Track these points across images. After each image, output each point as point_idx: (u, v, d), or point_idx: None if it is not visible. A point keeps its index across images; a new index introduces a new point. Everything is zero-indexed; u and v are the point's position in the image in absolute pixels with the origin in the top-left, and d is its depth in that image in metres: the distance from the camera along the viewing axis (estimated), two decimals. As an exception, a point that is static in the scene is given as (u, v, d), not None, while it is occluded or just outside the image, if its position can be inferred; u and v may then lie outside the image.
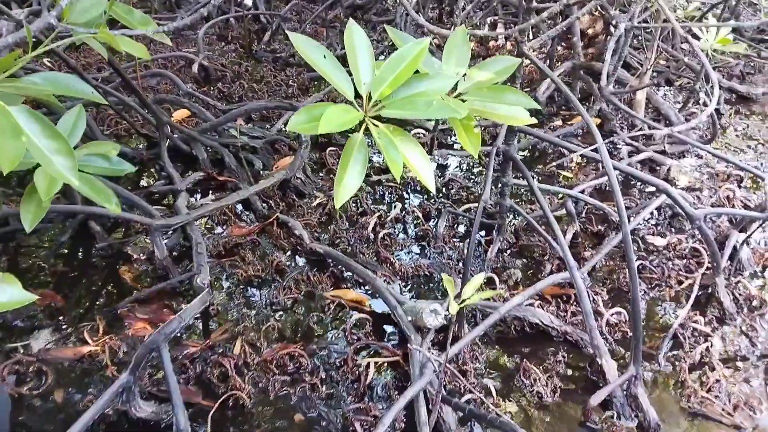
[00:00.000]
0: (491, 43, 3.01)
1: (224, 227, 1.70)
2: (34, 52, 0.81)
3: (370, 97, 0.93)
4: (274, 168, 1.96)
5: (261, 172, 1.93)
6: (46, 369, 1.23)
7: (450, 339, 1.09)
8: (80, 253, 1.57)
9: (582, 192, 1.70)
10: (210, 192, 1.85)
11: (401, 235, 1.67)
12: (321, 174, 1.96)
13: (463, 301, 0.85)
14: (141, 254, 1.55)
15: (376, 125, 0.92)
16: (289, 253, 1.60)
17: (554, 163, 2.00)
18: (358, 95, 0.93)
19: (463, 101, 1.05)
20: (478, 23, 3.10)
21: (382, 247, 1.60)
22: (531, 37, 2.90)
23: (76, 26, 0.86)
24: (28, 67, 1.72)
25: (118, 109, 1.94)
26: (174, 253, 1.55)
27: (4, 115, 0.76)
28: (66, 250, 1.57)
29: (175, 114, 2.18)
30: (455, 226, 1.72)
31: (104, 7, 0.99)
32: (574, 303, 1.41)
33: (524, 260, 1.60)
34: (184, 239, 1.60)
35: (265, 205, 1.78)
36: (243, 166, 1.91)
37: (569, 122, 2.33)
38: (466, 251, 1.55)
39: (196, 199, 1.78)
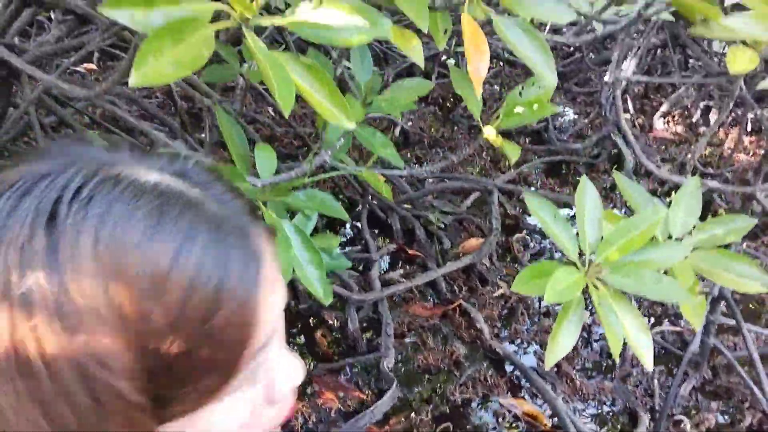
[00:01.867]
0: (701, 130, 2.82)
1: (408, 303, 1.79)
2: (308, 179, 0.95)
3: (591, 259, 0.94)
4: (461, 248, 2.02)
5: (448, 250, 2.00)
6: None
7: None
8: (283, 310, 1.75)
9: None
10: (399, 264, 1.96)
11: (586, 350, 1.63)
12: (506, 261, 1.98)
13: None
14: (336, 321, 1.69)
15: (597, 288, 0.92)
16: (468, 344, 1.64)
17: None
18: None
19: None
20: (689, 106, 2.92)
21: (564, 360, 1.57)
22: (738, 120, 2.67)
23: (343, 163, 0.99)
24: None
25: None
26: (363, 324, 1.67)
27: (280, 230, 0.90)
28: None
29: (375, 177, 2.34)
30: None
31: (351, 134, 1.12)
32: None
33: (721, 403, 1.48)
34: (373, 312, 1.71)
35: (448, 286, 1.84)
36: (433, 242, 2.00)
37: (788, 239, 2.10)
38: (658, 386, 1.47)
39: (384, 269, 1.90)
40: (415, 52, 0.69)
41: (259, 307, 0.34)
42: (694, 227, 1.05)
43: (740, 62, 0.84)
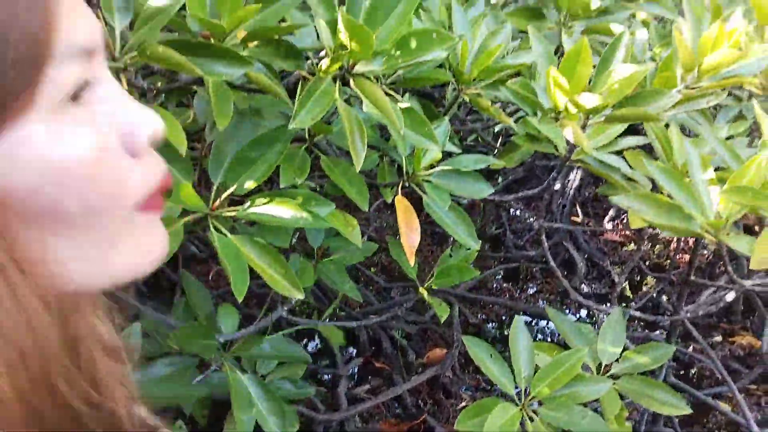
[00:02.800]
0: (649, 231, 3.01)
1: (374, 418, 1.85)
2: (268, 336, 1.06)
3: (527, 391, 1.05)
4: (426, 358, 2.10)
5: (413, 361, 2.08)
6: None
7: None
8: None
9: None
10: (366, 377, 2.04)
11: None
12: (469, 371, 2.07)
13: None
14: (303, 442, 1.74)
15: (532, 420, 1.02)
16: (432, 460, 1.70)
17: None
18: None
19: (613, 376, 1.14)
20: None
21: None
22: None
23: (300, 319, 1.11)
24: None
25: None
26: (330, 443, 1.72)
27: (243, 389, 0.99)
28: None
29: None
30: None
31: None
32: None
33: None
34: (340, 430, 1.76)
35: (413, 399, 1.91)
36: (398, 353, 2.09)
37: (731, 338, 2.24)
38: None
39: (352, 383, 1.97)
40: (353, 236, 0.82)
41: None
42: (621, 354, 1.18)
43: (637, 221, 0.99)
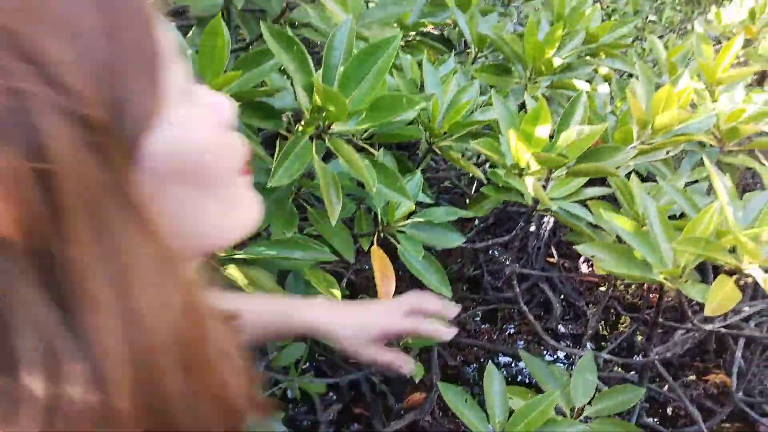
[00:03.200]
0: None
1: (355, 464, 1.83)
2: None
3: (503, 434, 1.07)
4: (406, 402, 2.10)
5: (393, 406, 2.08)
6: None
7: None
8: None
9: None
10: (346, 423, 2.03)
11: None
12: (449, 414, 2.07)
13: None
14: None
15: (508, 465, 1.04)
16: (412, 507, 1.69)
17: None
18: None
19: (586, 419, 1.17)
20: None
21: None
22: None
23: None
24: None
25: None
26: (309, 492, 1.71)
27: None
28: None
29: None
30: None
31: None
32: None
33: None
34: (319, 478, 1.75)
35: (393, 444, 1.90)
36: (378, 397, 2.09)
37: (704, 377, 2.28)
38: None
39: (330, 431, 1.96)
40: (333, 294, 0.85)
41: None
42: (594, 397, 1.21)
43: (601, 269, 1.04)
